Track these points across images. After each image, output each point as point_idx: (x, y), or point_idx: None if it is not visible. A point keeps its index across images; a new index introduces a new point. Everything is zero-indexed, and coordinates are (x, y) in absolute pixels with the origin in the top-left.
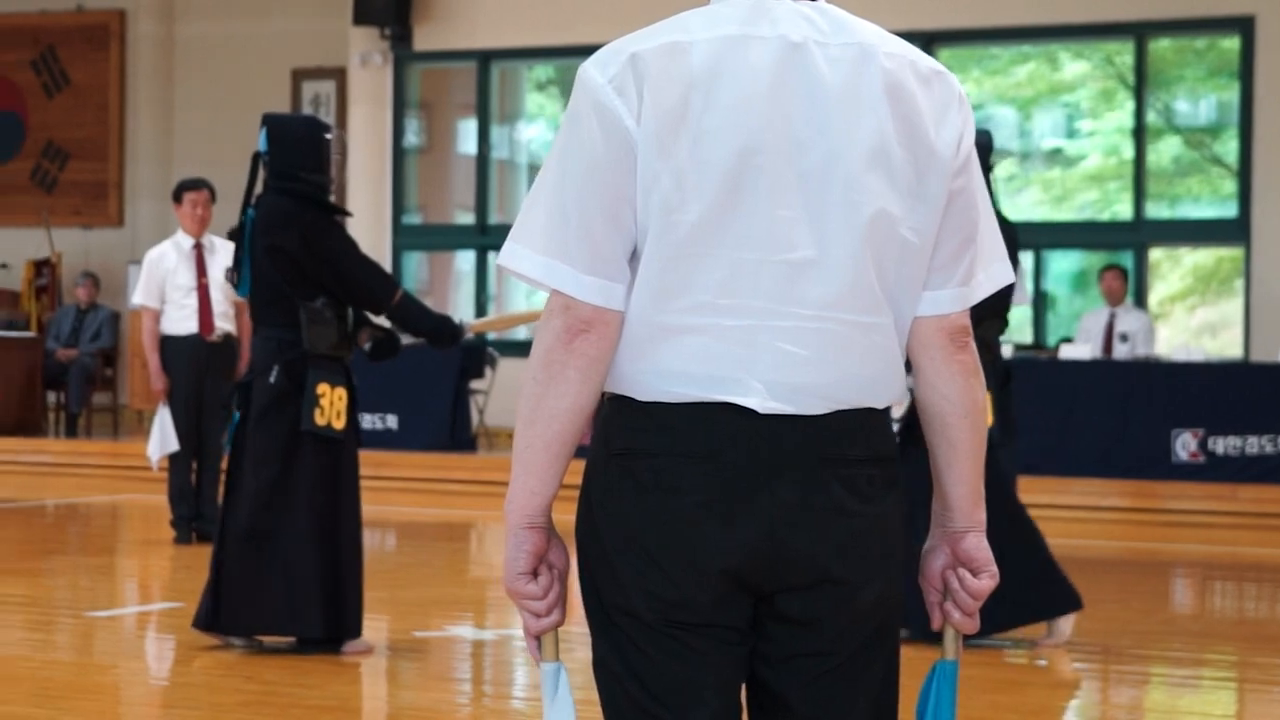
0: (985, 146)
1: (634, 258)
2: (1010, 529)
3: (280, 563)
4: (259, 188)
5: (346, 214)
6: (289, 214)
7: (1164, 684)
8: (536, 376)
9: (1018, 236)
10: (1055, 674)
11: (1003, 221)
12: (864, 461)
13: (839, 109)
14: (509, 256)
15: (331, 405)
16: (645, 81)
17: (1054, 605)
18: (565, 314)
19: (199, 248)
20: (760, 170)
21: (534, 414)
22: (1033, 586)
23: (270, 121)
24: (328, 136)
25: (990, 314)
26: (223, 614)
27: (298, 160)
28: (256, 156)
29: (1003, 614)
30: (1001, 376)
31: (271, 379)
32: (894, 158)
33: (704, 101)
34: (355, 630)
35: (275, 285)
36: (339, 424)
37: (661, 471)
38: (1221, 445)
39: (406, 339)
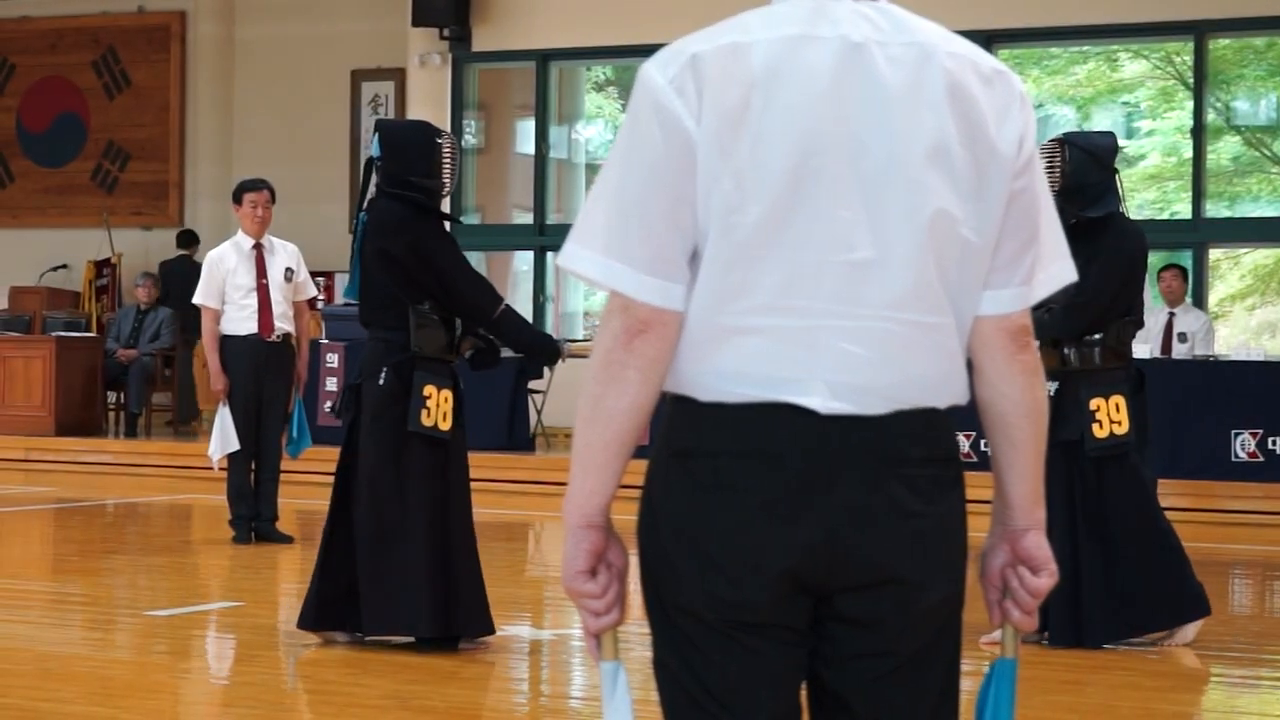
0: (1110, 149)
1: (694, 259)
2: (1149, 535)
3: (395, 563)
4: (371, 192)
5: (455, 220)
6: (401, 219)
7: (1222, 684)
8: (596, 376)
9: (1145, 243)
10: (1111, 674)
11: (1126, 225)
12: (926, 461)
13: (899, 109)
14: (569, 257)
15: (438, 406)
16: (705, 82)
17: (1185, 612)
18: (624, 314)
19: (259, 248)
20: (820, 171)
21: (593, 414)
22: (1170, 591)
23: (383, 127)
24: (440, 141)
25: (1121, 319)
26: (331, 614)
27: (410, 165)
28: (370, 162)
29: (1140, 617)
30: (1135, 382)
31: (381, 381)
32: (955, 158)
33: (764, 102)
34: (472, 628)
35: (384, 288)
36: (445, 425)
37: (722, 471)
38: None
39: (507, 352)
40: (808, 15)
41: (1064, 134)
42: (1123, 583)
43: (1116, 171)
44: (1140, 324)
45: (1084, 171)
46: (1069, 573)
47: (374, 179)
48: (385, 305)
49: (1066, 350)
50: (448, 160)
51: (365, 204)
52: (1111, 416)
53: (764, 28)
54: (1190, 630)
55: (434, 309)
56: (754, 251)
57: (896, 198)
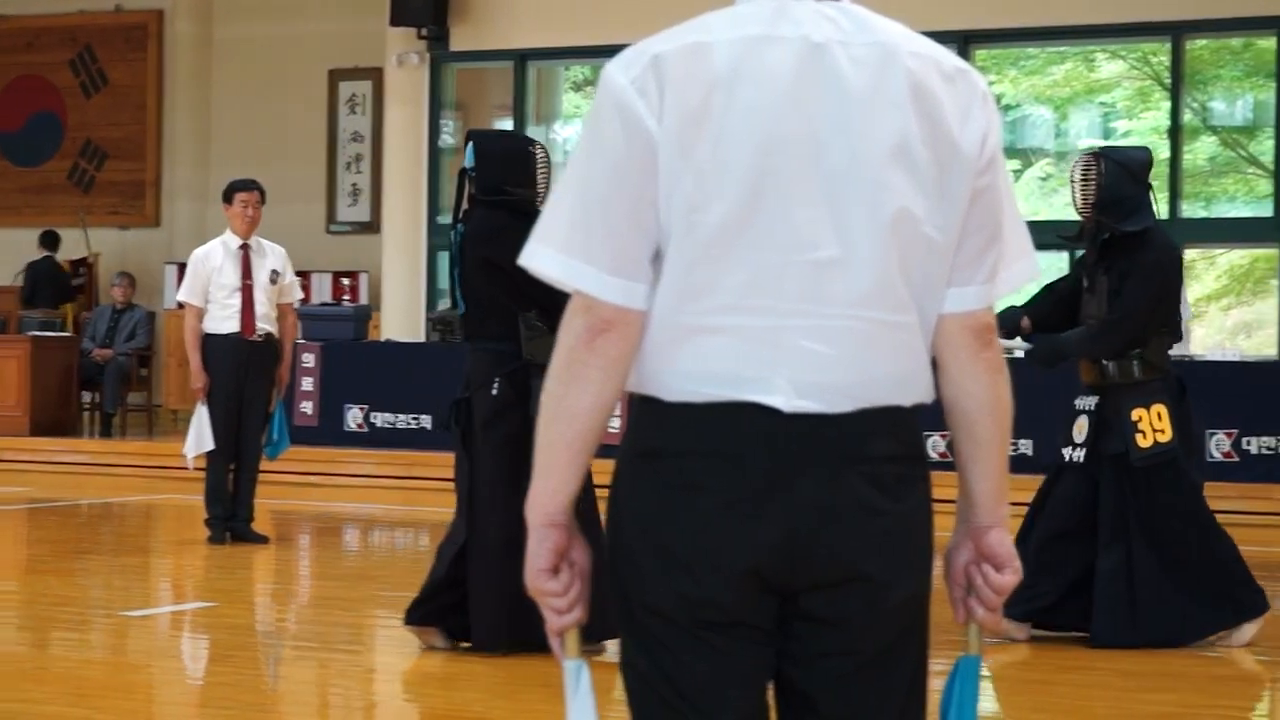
0: (1145, 163)
1: (658, 258)
2: (1202, 538)
3: (514, 574)
4: (465, 204)
5: None
6: (502, 227)
7: (1197, 683)
8: (558, 376)
9: (1180, 256)
10: (1085, 674)
11: (1161, 239)
12: (891, 459)
13: (861, 109)
14: (531, 256)
15: None
16: (667, 82)
17: (1242, 611)
18: (587, 314)
19: (246, 249)
20: (783, 170)
21: (555, 413)
22: (1226, 591)
23: (476, 138)
24: (533, 150)
25: (1160, 331)
26: (435, 614)
27: (506, 175)
28: (463, 172)
29: (1203, 619)
30: (1176, 390)
31: (494, 391)
32: (917, 157)
33: (726, 102)
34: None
35: (490, 298)
36: None
37: (687, 471)
38: (1255, 445)
39: None
40: (770, 16)
41: (1100, 148)
42: (1180, 587)
43: (1151, 186)
44: (1178, 336)
45: (1119, 185)
46: (1125, 582)
47: (468, 189)
48: (490, 315)
49: (1106, 364)
50: (542, 169)
51: (460, 215)
52: (1154, 425)
53: (726, 28)
54: (1249, 629)
55: (540, 316)
56: (717, 251)
57: (859, 197)
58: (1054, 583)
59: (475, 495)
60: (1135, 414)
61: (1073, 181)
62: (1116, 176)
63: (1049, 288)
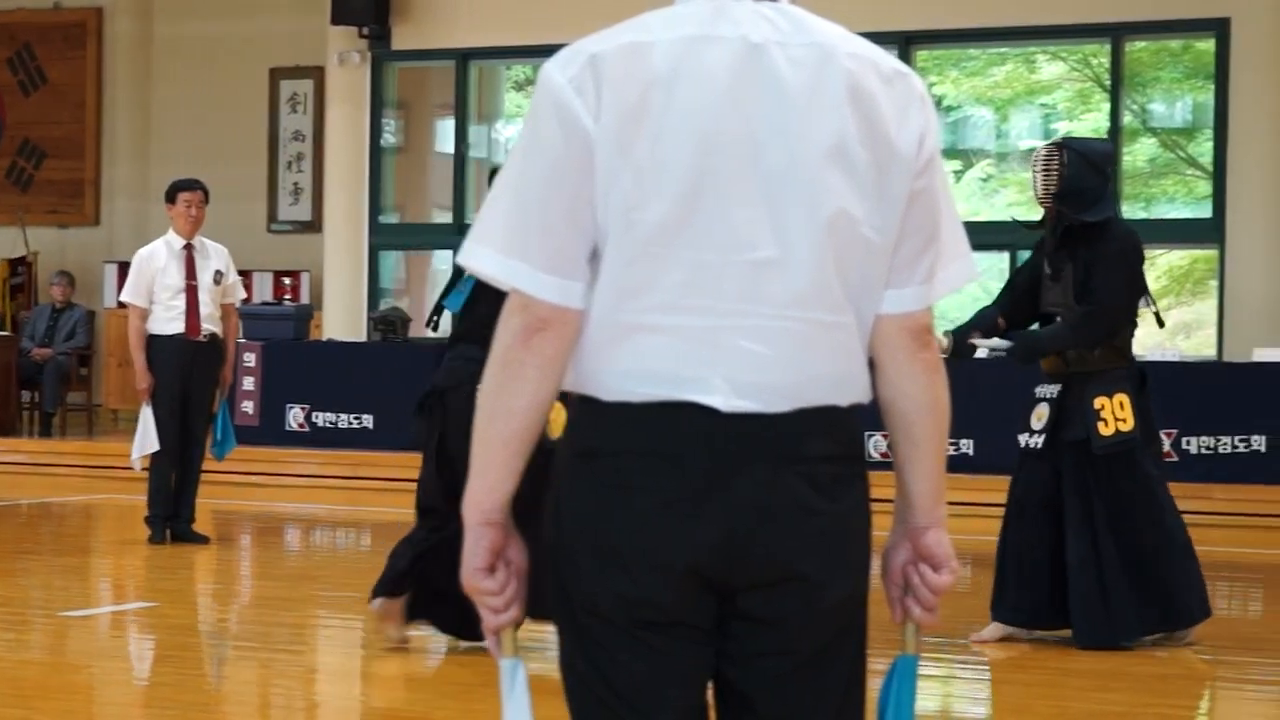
0: (1106, 155)
1: (595, 257)
2: (1154, 532)
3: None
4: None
5: None
6: None
7: (1137, 682)
8: (495, 375)
9: (1140, 244)
10: (1028, 673)
11: (1122, 229)
12: (829, 459)
13: (799, 109)
14: (468, 255)
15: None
16: (605, 81)
17: (1192, 613)
18: (524, 312)
19: (189, 249)
20: (720, 170)
21: (492, 412)
22: (1180, 591)
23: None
24: None
25: (1126, 323)
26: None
27: None
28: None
29: (1170, 612)
30: (1137, 380)
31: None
32: (855, 158)
33: (664, 101)
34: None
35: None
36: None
37: (625, 471)
38: (1194, 445)
39: None
40: (708, 16)
41: (1062, 138)
42: (1146, 577)
43: (1111, 177)
44: (1135, 324)
45: (1080, 175)
46: (1093, 572)
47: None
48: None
49: (1069, 352)
50: None
51: None
52: (1116, 414)
53: (664, 28)
54: (1190, 631)
55: None
56: (655, 250)
57: (797, 197)
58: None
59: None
60: (1098, 402)
61: (1034, 171)
62: (1078, 167)
63: (1010, 284)
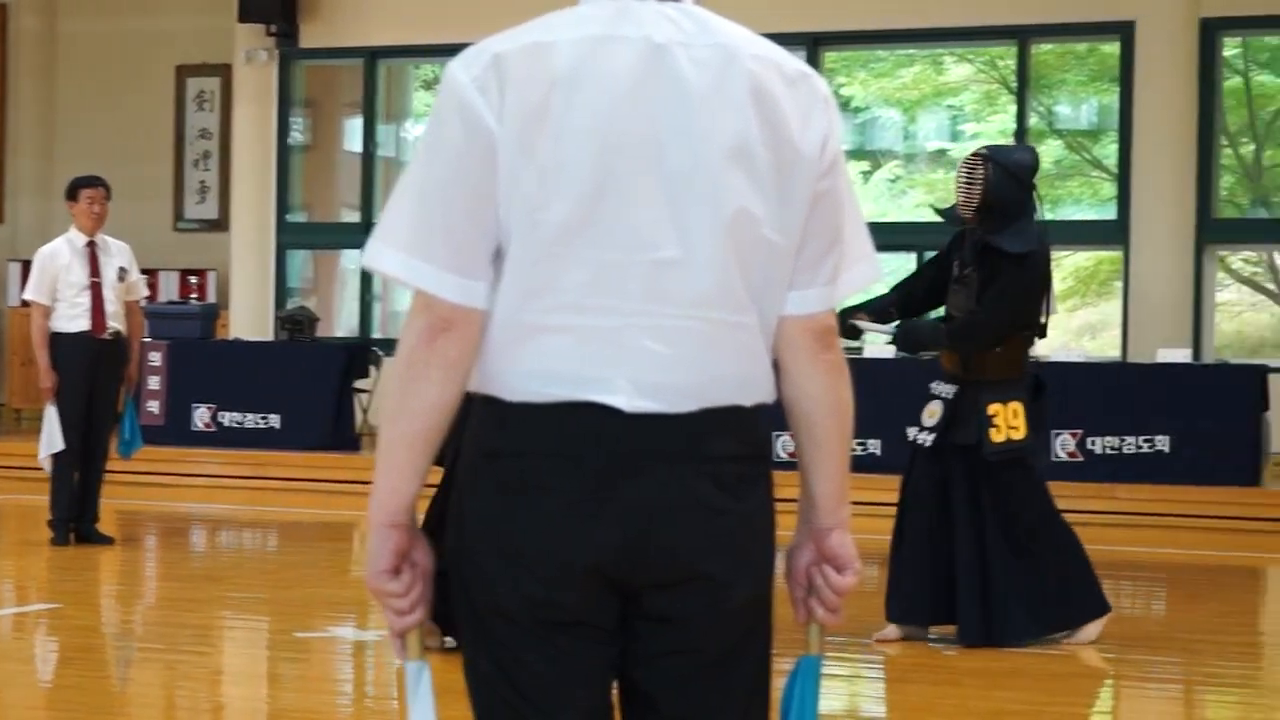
0: (1030, 167)
1: (499, 257)
2: (1047, 535)
3: None
4: None
5: None
6: None
7: (1041, 681)
8: (400, 375)
9: (1048, 253)
10: (933, 672)
11: (1033, 251)
12: (732, 459)
13: (702, 110)
14: (372, 255)
15: None
16: (508, 81)
17: (1086, 612)
18: (427, 313)
19: (92, 246)
20: (623, 170)
21: (397, 412)
22: (1074, 590)
23: None
24: None
25: (1023, 328)
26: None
27: None
28: None
29: (1055, 615)
30: (1033, 388)
31: None
32: (757, 159)
33: (566, 101)
34: None
35: None
36: None
37: (528, 471)
38: (1099, 445)
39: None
40: (611, 16)
41: (986, 149)
42: (1033, 581)
43: (1035, 188)
44: (1041, 333)
45: (1003, 188)
46: (978, 574)
47: None
48: None
49: (968, 356)
50: None
51: None
52: (1010, 422)
53: (568, 28)
54: (1093, 628)
55: None
56: (558, 250)
57: (699, 197)
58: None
59: None
60: (992, 409)
61: (958, 181)
62: (1000, 179)
63: (914, 276)
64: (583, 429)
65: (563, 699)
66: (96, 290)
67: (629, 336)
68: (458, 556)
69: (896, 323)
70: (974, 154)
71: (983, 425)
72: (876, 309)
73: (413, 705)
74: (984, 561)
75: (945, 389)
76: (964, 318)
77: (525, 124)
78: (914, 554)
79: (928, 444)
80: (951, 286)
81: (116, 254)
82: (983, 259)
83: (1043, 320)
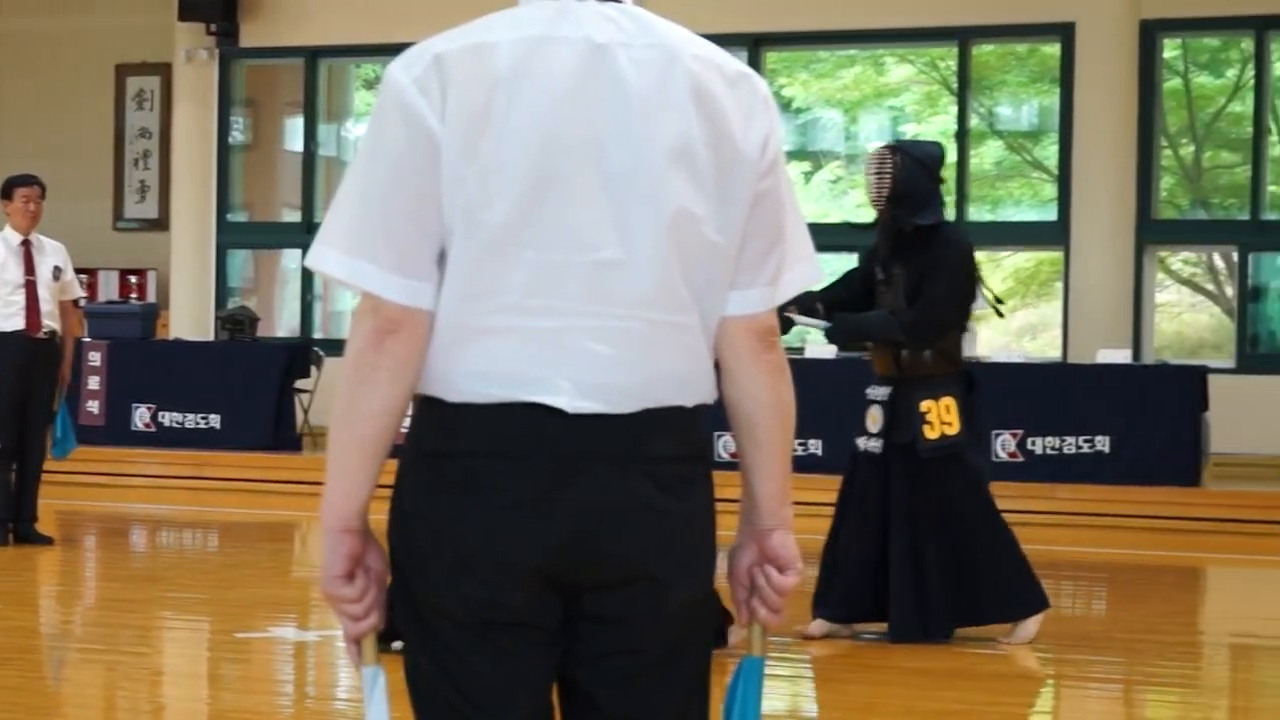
0: (938, 158)
1: (443, 258)
2: (984, 531)
3: None
4: None
5: None
6: None
7: (982, 681)
8: (349, 379)
9: (973, 250)
10: (876, 672)
11: (956, 233)
12: (674, 459)
13: (643, 110)
14: (315, 257)
15: None
16: (450, 82)
17: (1025, 606)
18: (374, 315)
19: (27, 244)
20: (564, 171)
21: (346, 416)
22: (1006, 587)
23: None
24: None
25: (956, 327)
26: None
27: None
28: None
29: (984, 613)
30: (965, 384)
31: None
32: (698, 159)
33: (508, 102)
34: None
35: None
36: None
37: (471, 472)
38: (1040, 445)
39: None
40: (552, 16)
41: (894, 141)
42: (965, 577)
43: (943, 181)
44: (965, 328)
45: (913, 179)
46: (911, 571)
47: None
48: None
49: (900, 355)
50: None
51: None
52: (942, 418)
53: (508, 28)
54: (1031, 626)
55: None
56: (500, 251)
57: (640, 198)
58: (857, 585)
59: None
60: (924, 405)
61: (867, 174)
62: (910, 169)
63: (840, 281)
64: (525, 430)
65: (505, 700)
66: (31, 289)
67: (570, 337)
68: (399, 557)
69: (826, 321)
70: (882, 146)
71: (915, 423)
72: (804, 305)
73: (369, 710)
74: (918, 559)
75: (880, 392)
76: (915, 308)
77: (467, 125)
78: (846, 551)
79: (877, 450)
80: (878, 289)
81: (51, 253)
82: (900, 247)
83: (973, 315)
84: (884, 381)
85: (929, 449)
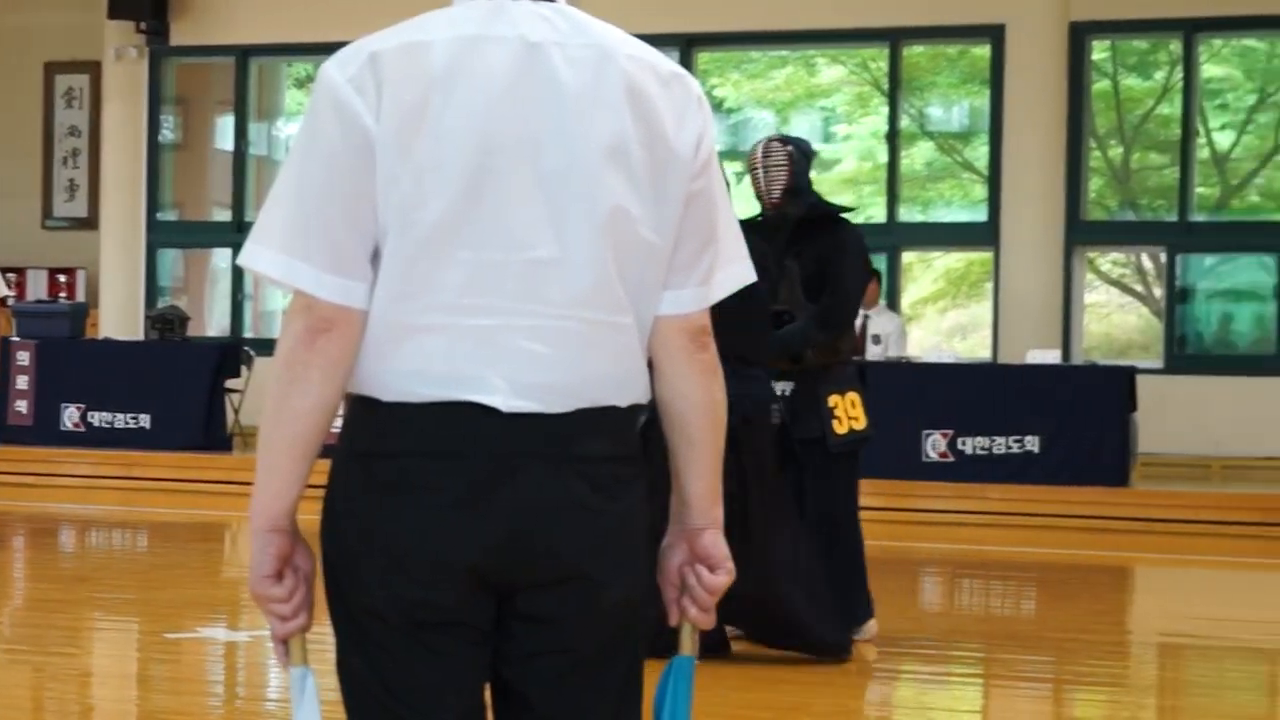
0: (808, 154)
1: (377, 257)
2: (856, 530)
3: None
4: None
5: None
6: None
7: (913, 681)
8: (280, 377)
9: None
10: (806, 672)
11: (849, 230)
12: (609, 459)
13: (577, 109)
14: (249, 256)
15: None
16: (385, 81)
17: (868, 608)
18: (307, 314)
19: None
20: (499, 170)
21: (277, 415)
22: (851, 590)
23: None
24: None
25: (848, 327)
26: None
27: None
28: None
29: (857, 609)
30: (857, 382)
31: None
32: (633, 158)
33: (443, 101)
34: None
35: None
36: None
37: (405, 472)
38: (970, 445)
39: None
40: (486, 15)
41: (779, 136)
42: (847, 575)
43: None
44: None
45: (804, 171)
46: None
47: None
48: None
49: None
50: None
51: None
52: (849, 413)
53: (443, 27)
54: (873, 626)
55: None
56: (435, 250)
57: (575, 196)
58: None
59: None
60: (831, 400)
61: (765, 168)
62: (802, 163)
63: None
64: (460, 429)
65: (437, 699)
66: None
67: (505, 336)
68: (331, 557)
69: None
70: (774, 140)
71: (825, 418)
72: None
73: (297, 711)
74: (798, 559)
75: (782, 386)
76: (823, 301)
77: (402, 123)
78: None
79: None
80: (778, 288)
81: None
82: (791, 240)
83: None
84: (784, 376)
85: (839, 444)
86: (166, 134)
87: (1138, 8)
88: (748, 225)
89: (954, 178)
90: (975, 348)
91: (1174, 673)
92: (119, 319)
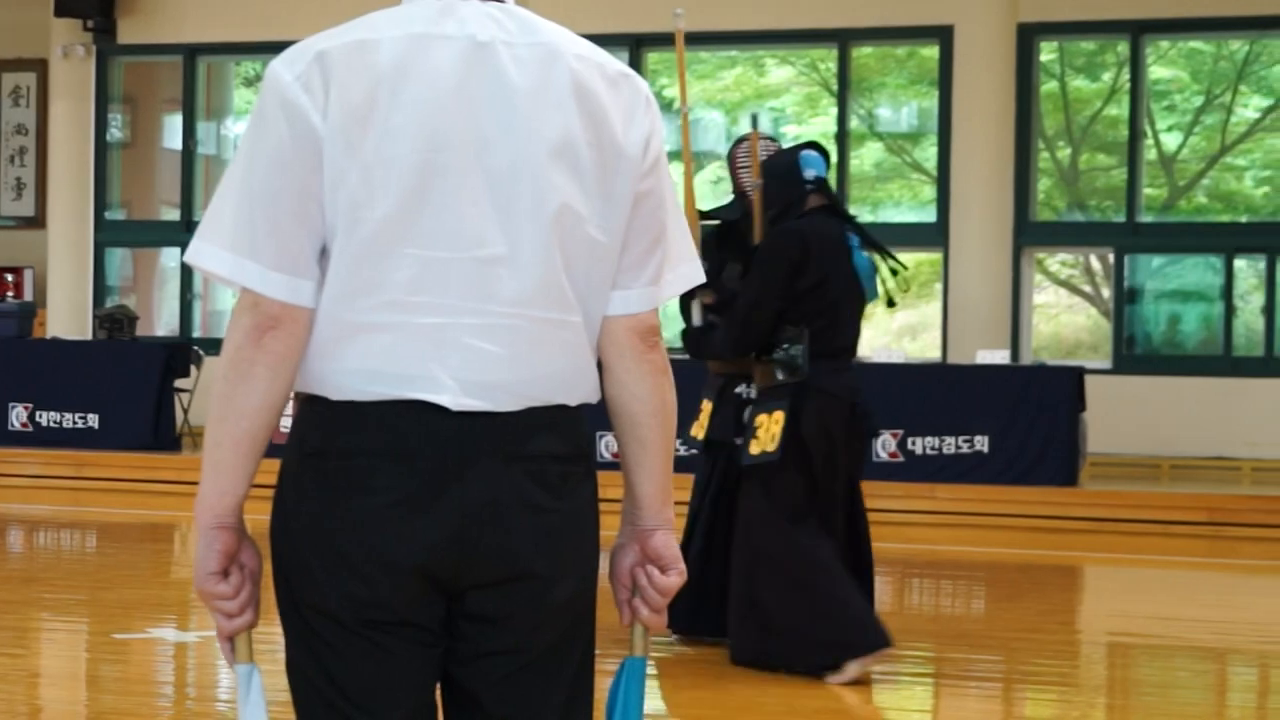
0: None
1: (324, 255)
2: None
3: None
4: None
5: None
6: None
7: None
8: (226, 374)
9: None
10: (756, 671)
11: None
12: (557, 458)
13: (525, 108)
14: (196, 254)
15: None
16: (332, 79)
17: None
18: (254, 311)
19: None
20: (447, 168)
21: (224, 412)
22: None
23: None
24: None
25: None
26: None
27: None
28: None
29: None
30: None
31: None
32: (581, 157)
33: (391, 99)
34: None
35: None
36: None
37: (354, 471)
38: (920, 445)
39: None
40: (434, 14)
41: (750, 134)
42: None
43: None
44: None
45: (776, 174)
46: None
47: None
48: None
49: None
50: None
51: None
52: (770, 431)
53: (391, 26)
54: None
55: None
56: (382, 248)
57: (523, 194)
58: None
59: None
60: (758, 419)
61: (749, 162)
62: (771, 167)
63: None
64: (408, 428)
65: (387, 699)
66: None
67: (453, 334)
68: (281, 556)
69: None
70: (749, 137)
71: (746, 432)
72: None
73: (243, 709)
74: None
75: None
76: (727, 315)
77: (350, 121)
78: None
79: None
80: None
81: None
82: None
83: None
84: (717, 375)
85: (748, 463)
86: (114, 132)
87: (1085, 9)
88: (718, 215)
89: (903, 178)
90: (925, 348)
91: (1123, 672)
92: (67, 318)
